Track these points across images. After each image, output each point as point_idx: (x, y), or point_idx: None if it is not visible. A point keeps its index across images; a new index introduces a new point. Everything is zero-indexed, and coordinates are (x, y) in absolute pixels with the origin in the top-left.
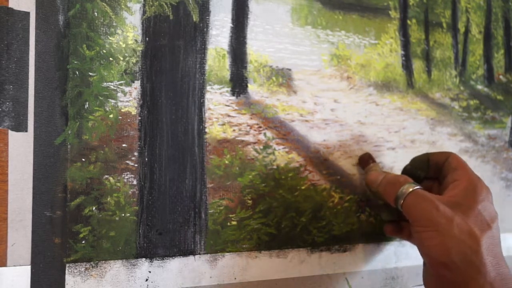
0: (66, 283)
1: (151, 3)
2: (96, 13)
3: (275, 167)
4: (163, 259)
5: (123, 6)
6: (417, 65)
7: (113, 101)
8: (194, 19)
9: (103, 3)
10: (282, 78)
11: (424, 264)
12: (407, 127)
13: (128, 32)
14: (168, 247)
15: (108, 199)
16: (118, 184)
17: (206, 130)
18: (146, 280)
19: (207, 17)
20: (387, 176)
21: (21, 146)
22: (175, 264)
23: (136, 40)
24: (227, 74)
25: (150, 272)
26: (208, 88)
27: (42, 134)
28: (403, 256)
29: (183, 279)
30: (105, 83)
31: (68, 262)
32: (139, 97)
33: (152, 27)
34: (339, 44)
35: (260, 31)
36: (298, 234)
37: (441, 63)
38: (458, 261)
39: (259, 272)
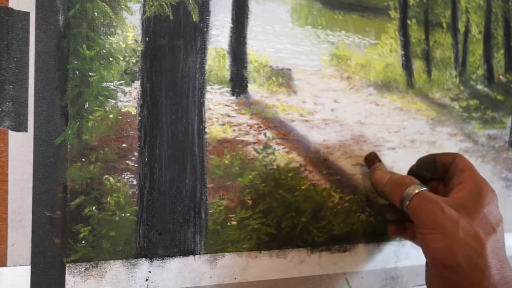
0: (66, 283)
1: (151, 3)
2: (96, 13)
3: (275, 167)
4: (163, 259)
5: (123, 6)
6: (417, 65)
7: (113, 101)
8: (194, 19)
9: (103, 3)
10: (282, 78)
11: (427, 265)
12: (407, 127)
13: (128, 32)
14: (168, 247)
15: (108, 199)
16: (118, 184)
17: (206, 130)
18: (146, 280)
19: (207, 17)
20: (393, 177)
21: (21, 146)
22: (175, 264)
23: (136, 40)
24: (227, 74)
25: (150, 272)
26: (208, 88)
27: (42, 134)
28: (403, 256)
29: (183, 279)
30: (105, 83)
31: (68, 262)
32: (139, 97)
33: (152, 27)
34: (339, 44)
35: (260, 31)
36: (298, 234)
37: (441, 63)
38: (463, 264)
39: (259, 272)
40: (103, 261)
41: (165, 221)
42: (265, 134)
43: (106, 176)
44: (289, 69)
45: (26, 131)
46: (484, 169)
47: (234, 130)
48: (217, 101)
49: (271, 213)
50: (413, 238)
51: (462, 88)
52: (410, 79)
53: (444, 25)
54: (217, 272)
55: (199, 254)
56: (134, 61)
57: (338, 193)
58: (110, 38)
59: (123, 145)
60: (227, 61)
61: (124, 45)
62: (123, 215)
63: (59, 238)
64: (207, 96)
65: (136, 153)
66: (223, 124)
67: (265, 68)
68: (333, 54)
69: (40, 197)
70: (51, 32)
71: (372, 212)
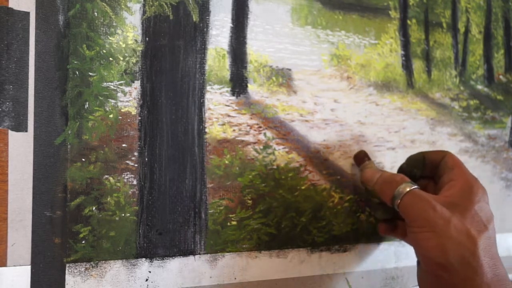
0: (66, 283)
1: (151, 3)
2: (96, 13)
3: (275, 167)
4: (163, 259)
5: (123, 6)
6: (417, 65)
7: (113, 101)
8: (194, 19)
9: (103, 3)
10: (282, 78)
11: (418, 263)
12: (407, 127)
13: (128, 32)
14: (168, 247)
15: (108, 199)
16: (118, 184)
17: (206, 130)
18: (146, 280)
19: (207, 17)
20: (384, 175)
21: (21, 146)
22: (175, 264)
23: (136, 40)
24: (227, 74)
25: (150, 272)
26: (208, 88)
27: (42, 134)
28: (403, 256)
29: (183, 279)
30: (105, 83)
31: (68, 262)
32: (139, 97)
33: (152, 27)
34: (339, 44)
35: (260, 31)
36: (298, 234)
37: (441, 63)
38: (455, 262)
39: (259, 272)
40: (103, 261)
41: (165, 221)
42: (265, 134)
43: (106, 176)
44: (289, 69)
45: (26, 131)
46: (484, 169)
47: (234, 130)
48: (217, 101)
49: (271, 213)
50: (404, 237)
51: (462, 88)
52: (410, 79)
53: (444, 25)
54: (217, 272)
55: (199, 254)
56: (134, 61)
57: (338, 193)
58: (110, 38)
59: (123, 145)
60: (227, 61)
61: (124, 45)
62: (123, 215)
63: (59, 238)
64: (207, 96)
65: (136, 153)
66: (223, 124)
67: (265, 68)
68: (333, 54)
69: (40, 197)
70: (51, 32)
71: (372, 212)
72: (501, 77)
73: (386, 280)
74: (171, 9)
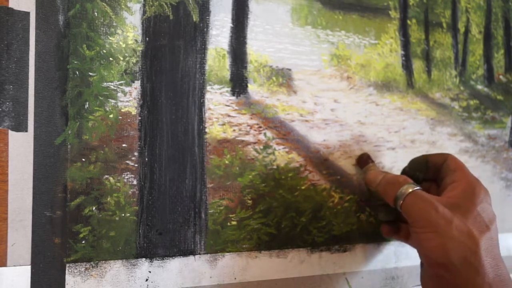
0: (66, 283)
1: (151, 3)
2: (96, 13)
3: (275, 167)
4: (163, 259)
5: (123, 6)
6: (417, 65)
7: (113, 101)
8: (194, 19)
9: (103, 3)
10: (282, 78)
11: (422, 264)
12: (407, 127)
13: (128, 32)
14: (168, 247)
15: (108, 199)
16: (118, 184)
17: (206, 130)
18: (146, 280)
19: (207, 17)
20: (387, 176)
21: (21, 146)
22: (175, 264)
23: (136, 40)
24: (227, 74)
25: (150, 272)
26: (208, 88)
27: (42, 134)
28: (403, 256)
29: (183, 279)
30: (105, 83)
31: (68, 262)
32: (139, 97)
33: (152, 27)
34: (339, 44)
35: (260, 31)
36: (298, 234)
37: (441, 63)
38: (457, 262)
39: (259, 272)
40: (103, 261)
41: (165, 221)
42: (265, 134)
43: (106, 176)
44: (289, 69)
45: (26, 131)
46: (484, 169)
47: (234, 130)
48: (217, 101)
49: (271, 213)
50: (406, 239)
51: (462, 88)
52: (410, 79)
53: (444, 25)
54: (217, 272)
55: (199, 254)
56: (134, 61)
57: (338, 193)
58: (110, 38)
59: (123, 145)
60: (227, 61)
61: (124, 45)
62: (123, 215)
63: (59, 238)
64: (207, 96)
65: (136, 153)
66: (223, 124)
67: (265, 68)
68: (333, 54)
69: (40, 197)
70: (51, 32)
71: (372, 212)
72: (501, 77)
73: (386, 280)
74: (171, 9)
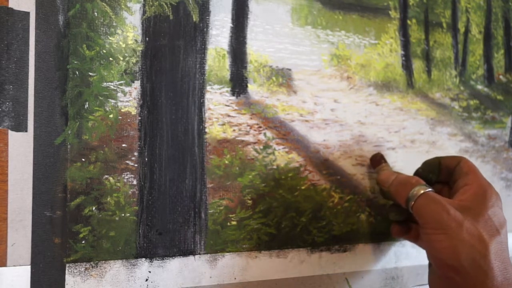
0: (66, 283)
1: (151, 3)
2: (96, 13)
3: (275, 167)
4: (163, 259)
5: (123, 6)
6: (417, 65)
7: (113, 101)
8: (194, 19)
9: (103, 3)
10: (282, 78)
11: (430, 265)
12: (407, 127)
13: (128, 32)
14: (168, 247)
15: (108, 199)
16: (118, 184)
17: (206, 130)
18: (146, 280)
19: (207, 17)
20: (399, 177)
21: (21, 146)
22: (175, 264)
23: (136, 40)
24: (227, 74)
25: (150, 272)
26: (208, 88)
27: (42, 134)
28: (403, 256)
29: (183, 279)
30: (105, 83)
31: (68, 262)
32: (139, 97)
33: (152, 27)
34: (339, 44)
35: (260, 31)
36: (298, 234)
37: (441, 63)
38: (466, 265)
39: (259, 272)
40: (103, 261)
41: (165, 221)
42: (265, 134)
43: (106, 176)
44: (289, 69)
45: (26, 131)
46: (484, 169)
47: (234, 130)
48: (217, 101)
49: (271, 213)
50: (416, 239)
51: (462, 88)
52: (410, 79)
53: (444, 25)
54: (217, 272)
55: (199, 254)
56: (134, 61)
57: (338, 193)
58: (110, 38)
59: (123, 145)
60: (227, 61)
61: (124, 45)
62: (123, 215)
63: (59, 238)
64: (207, 96)
65: (136, 153)
66: (223, 124)
67: (265, 68)
68: (333, 54)
69: (40, 197)
70: (51, 32)
71: (372, 212)
72: (501, 77)
73: (386, 280)
74: (171, 9)
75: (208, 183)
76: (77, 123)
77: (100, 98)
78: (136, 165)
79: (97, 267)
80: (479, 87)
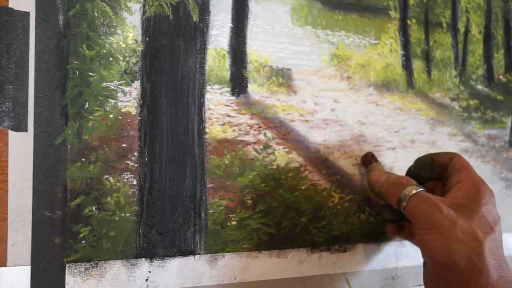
0: (66, 283)
1: (151, 3)
2: (96, 13)
3: (275, 167)
4: (163, 259)
5: (123, 6)
6: (417, 65)
7: (113, 101)
8: (194, 19)
9: (103, 3)
10: (282, 78)
11: (425, 264)
12: (407, 127)
13: (128, 32)
14: (168, 247)
15: (108, 199)
16: (118, 184)
17: (206, 130)
18: (146, 280)
19: (207, 17)
20: (390, 177)
21: (21, 146)
22: (175, 264)
23: (136, 40)
24: (227, 74)
25: (150, 272)
26: (208, 88)
27: (42, 134)
28: (403, 256)
29: (183, 279)
30: (105, 83)
31: (68, 262)
32: (139, 97)
33: (152, 27)
34: (339, 44)
35: (260, 31)
36: (298, 234)
37: (441, 63)
38: (461, 263)
39: (259, 272)
40: (103, 261)
41: (165, 221)
42: (265, 134)
43: (106, 176)
44: (289, 69)
45: (26, 131)
46: (484, 169)
47: (234, 130)
48: (217, 101)
49: (271, 213)
50: (411, 238)
51: (462, 88)
52: (410, 79)
53: (444, 25)
54: (217, 272)
55: (199, 254)
56: (134, 61)
57: (338, 193)
58: (110, 38)
59: (123, 145)
60: (227, 61)
61: (124, 45)
62: (123, 215)
63: (59, 238)
64: (207, 96)
65: (136, 153)
66: (223, 124)
67: (265, 68)
68: (333, 54)
69: (40, 197)
70: (51, 32)
71: (372, 212)
72: (501, 77)
73: (386, 280)
74: (171, 9)
75: (208, 183)
76: (77, 123)
77: (100, 98)
78: (136, 165)
79: (97, 267)
80: (479, 87)
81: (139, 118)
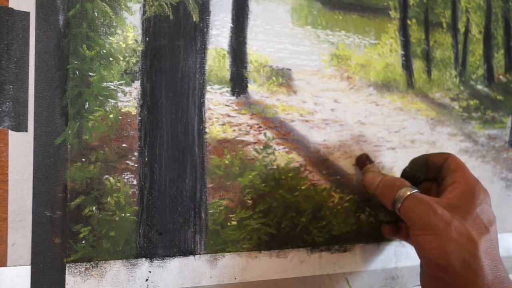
0: (66, 283)
1: (151, 3)
2: (96, 13)
3: (275, 167)
4: (163, 259)
5: (123, 6)
6: (417, 65)
7: (113, 101)
8: (194, 19)
9: (103, 3)
10: (282, 78)
11: (421, 265)
12: (407, 127)
13: (128, 32)
14: (168, 247)
15: (108, 199)
16: (118, 184)
17: (206, 130)
18: (146, 280)
19: (207, 17)
20: (384, 179)
21: (21, 146)
22: (175, 264)
23: (136, 40)
24: (227, 74)
25: (150, 272)
26: (208, 88)
27: (42, 134)
28: (403, 256)
29: (183, 279)
30: (105, 83)
31: (68, 262)
32: (139, 97)
33: (152, 27)
34: (339, 44)
35: (260, 31)
36: (298, 234)
37: (441, 63)
38: (456, 264)
39: (259, 272)
40: (103, 261)
41: (165, 221)
42: (265, 134)
43: (106, 176)
44: (289, 69)
45: (26, 131)
46: (484, 169)
47: (234, 130)
48: (217, 101)
49: (271, 213)
50: (407, 238)
51: (462, 88)
52: (410, 79)
53: (444, 25)
54: (217, 272)
55: (199, 254)
56: (134, 61)
57: (338, 193)
58: (110, 38)
59: (123, 145)
60: (227, 61)
61: (124, 45)
62: (123, 215)
63: (59, 238)
64: (207, 96)
65: (136, 153)
66: (223, 124)
67: (265, 68)
68: (333, 54)
69: (40, 197)
70: (51, 32)
71: (372, 212)
72: (501, 77)
73: (386, 280)
74: (171, 9)
75: (208, 183)
76: (77, 123)
77: (100, 98)
78: (136, 165)
79: (97, 267)
80: (479, 87)
81: (139, 118)
